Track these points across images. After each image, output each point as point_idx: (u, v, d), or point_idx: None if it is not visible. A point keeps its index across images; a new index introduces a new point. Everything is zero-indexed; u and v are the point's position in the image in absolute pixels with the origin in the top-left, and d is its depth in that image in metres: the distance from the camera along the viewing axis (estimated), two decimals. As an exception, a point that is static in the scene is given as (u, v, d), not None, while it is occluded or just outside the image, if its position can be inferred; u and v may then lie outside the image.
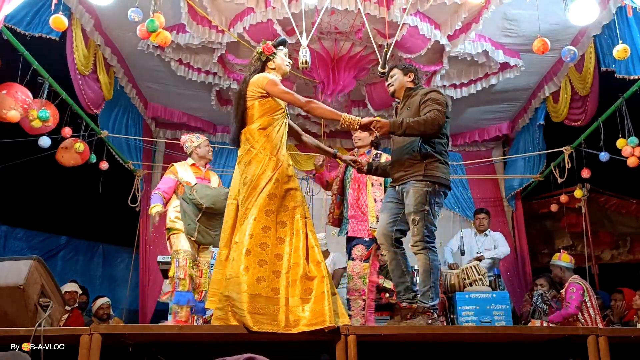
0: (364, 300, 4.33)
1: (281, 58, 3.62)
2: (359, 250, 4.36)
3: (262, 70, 3.58)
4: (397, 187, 3.69)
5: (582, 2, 4.44)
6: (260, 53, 3.58)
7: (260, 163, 3.35)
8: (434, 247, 3.55)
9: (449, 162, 3.72)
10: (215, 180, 4.83)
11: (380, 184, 4.49)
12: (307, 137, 3.91)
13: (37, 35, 4.80)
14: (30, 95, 5.03)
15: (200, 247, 4.59)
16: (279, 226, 3.29)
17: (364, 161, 4.01)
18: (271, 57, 3.58)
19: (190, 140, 4.85)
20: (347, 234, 4.50)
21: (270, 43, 3.60)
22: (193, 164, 4.76)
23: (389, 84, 3.85)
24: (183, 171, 4.68)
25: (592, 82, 5.74)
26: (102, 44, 5.78)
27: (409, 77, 3.77)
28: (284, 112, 3.54)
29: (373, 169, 3.98)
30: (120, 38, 5.92)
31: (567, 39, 5.57)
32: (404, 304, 3.65)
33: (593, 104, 6.02)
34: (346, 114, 3.38)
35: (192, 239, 4.48)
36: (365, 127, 3.40)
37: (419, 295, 3.53)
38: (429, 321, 3.41)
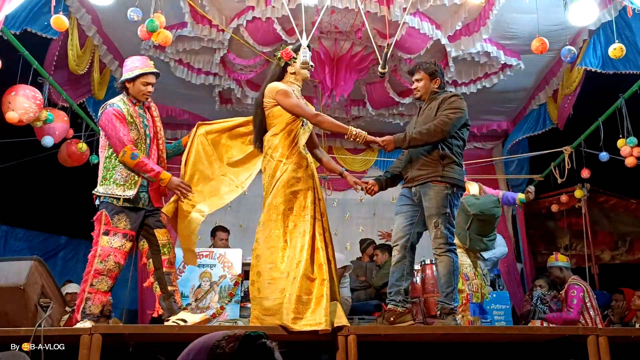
0: None
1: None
2: None
3: (282, 75, 3.55)
4: (413, 189, 3.63)
5: (582, 3, 4.44)
6: (279, 58, 3.54)
7: (272, 169, 3.38)
8: (455, 248, 3.56)
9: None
10: None
11: None
12: (320, 152, 3.82)
13: (37, 34, 4.79)
14: (40, 96, 4.98)
15: None
16: (286, 229, 3.32)
17: (372, 181, 3.83)
18: (290, 62, 3.53)
19: None
20: None
21: (289, 48, 3.56)
22: None
23: (415, 88, 3.81)
24: None
25: (579, 81, 5.76)
26: (100, 43, 5.76)
27: (435, 83, 3.75)
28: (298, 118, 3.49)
29: (384, 185, 3.85)
30: (121, 38, 5.89)
31: (566, 39, 5.56)
32: (389, 306, 3.56)
33: (570, 105, 6.06)
34: (352, 127, 3.39)
35: None
36: (368, 144, 3.46)
37: (442, 296, 3.50)
38: (454, 322, 3.44)
